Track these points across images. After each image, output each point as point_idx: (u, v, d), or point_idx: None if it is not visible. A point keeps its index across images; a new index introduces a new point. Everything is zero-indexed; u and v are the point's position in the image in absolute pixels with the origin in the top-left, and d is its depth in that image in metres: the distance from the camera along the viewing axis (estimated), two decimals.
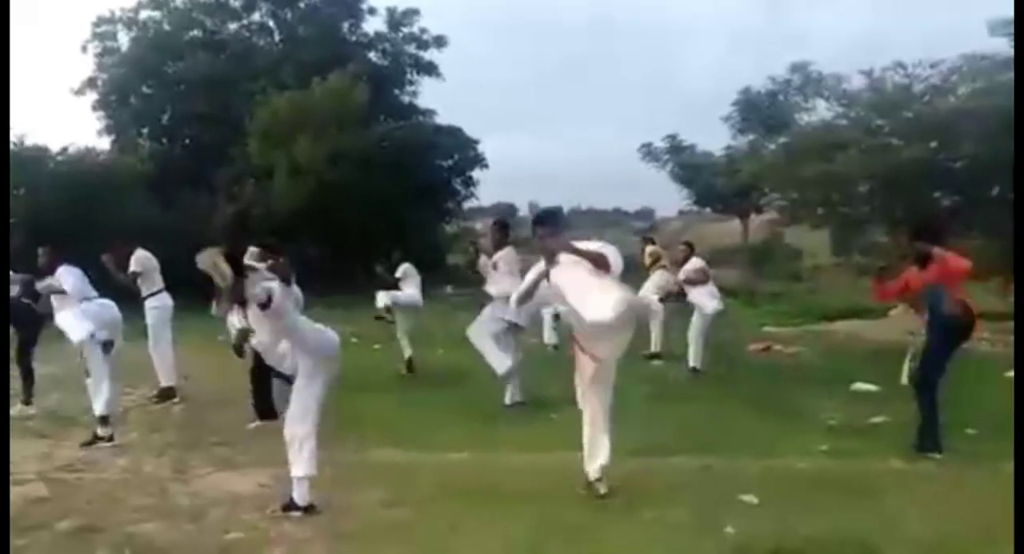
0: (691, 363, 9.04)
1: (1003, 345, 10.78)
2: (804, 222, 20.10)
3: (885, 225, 16.82)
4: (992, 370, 8.52)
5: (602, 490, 4.64)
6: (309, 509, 4.46)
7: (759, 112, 24.38)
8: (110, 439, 6.07)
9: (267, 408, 6.39)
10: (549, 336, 10.78)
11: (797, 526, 4.19)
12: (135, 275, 7.82)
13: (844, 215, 17.69)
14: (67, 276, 6.25)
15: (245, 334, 4.45)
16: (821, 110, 19.32)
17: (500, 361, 7.27)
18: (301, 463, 4.44)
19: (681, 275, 9.49)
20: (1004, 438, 5.77)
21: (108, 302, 6.41)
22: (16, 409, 7.10)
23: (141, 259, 7.89)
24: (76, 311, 6.12)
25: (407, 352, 9.28)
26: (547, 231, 4.65)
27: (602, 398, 4.71)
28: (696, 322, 9.13)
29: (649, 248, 10.77)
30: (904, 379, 5.59)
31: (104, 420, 6.10)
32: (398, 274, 9.38)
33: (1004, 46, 15.03)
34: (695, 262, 9.55)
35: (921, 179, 14.79)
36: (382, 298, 9.17)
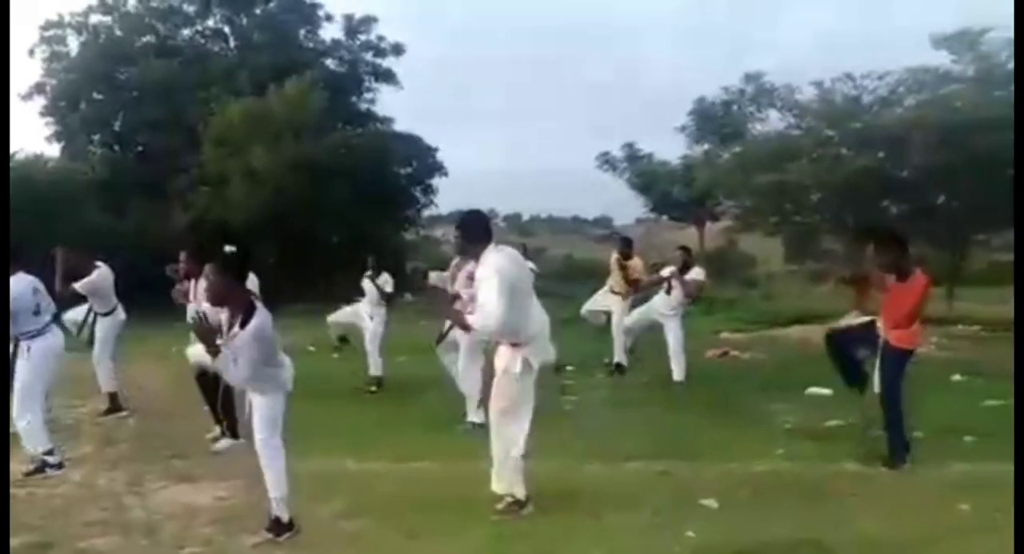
0: (676, 377, 8.74)
1: (950, 350, 11.10)
2: (758, 230, 20.52)
3: (836, 232, 17.26)
4: (939, 374, 8.77)
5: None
6: (290, 526, 4.29)
7: (713, 122, 24.79)
8: (60, 466, 5.70)
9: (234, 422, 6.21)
10: None
11: (756, 529, 4.27)
12: (74, 292, 7.33)
13: (797, 223, 18.12)
14: (25, 299, 5.61)
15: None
16: (774, 120, 19.79)
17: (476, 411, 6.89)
18: (271, 484, 4.30)
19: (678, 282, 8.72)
20: (952, 440, 5.99)
21: (57, 331, 6.04)
22: None
23: (98, 280, 7.43)
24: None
25: (378, 370, 8.91)
26: (461, 235, 4.65)
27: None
28: (677, 334, 8.80)
29: (633, 262, 9.52)
30: (876, 388, 5.65)
31: (49, 450, 5.70)
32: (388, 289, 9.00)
33: (945, 60, 15.62)
34: (698, 272, 8.90)
35: (870, 188, 15.22)
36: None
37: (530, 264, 4.91)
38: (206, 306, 4.34)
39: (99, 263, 7.62)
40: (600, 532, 4.30)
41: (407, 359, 9.93)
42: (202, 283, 5.93)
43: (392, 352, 9.41)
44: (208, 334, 4.11)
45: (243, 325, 4.06)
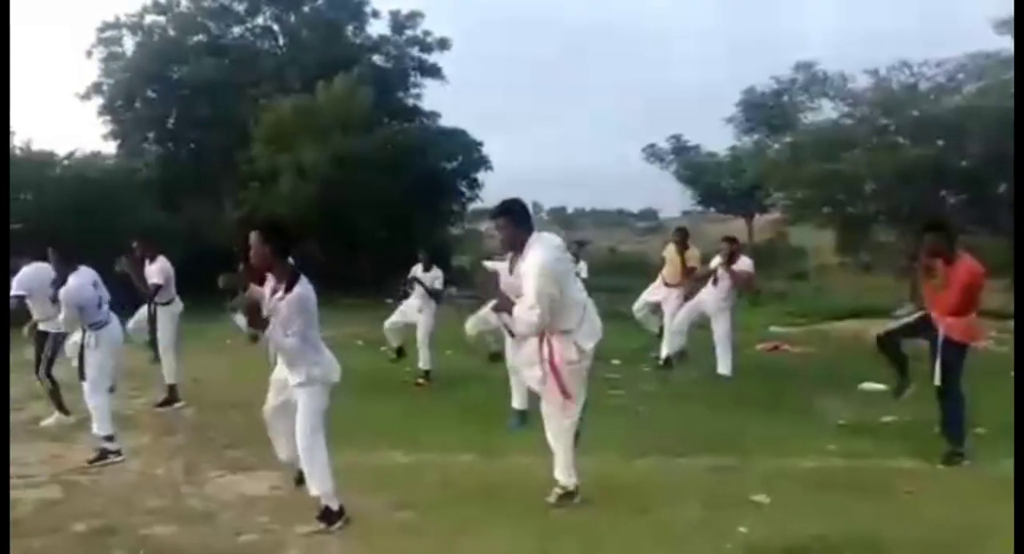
0: (721, 370, 8.70)
1: (1010, 344, 10.75)
2: (809, 221, 20.13)
3: (891, 224, 16.85)
4: (1000, 369, 8.50)
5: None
6: (340, 515, 4.35)
7: (763, 112, 24.37)
8: (119, 453, 5.89)
9: None
10: None
11: (808, 526, 4.20)
12: (157, 287, 7.73)
13: (850, 214, 17.72)
14: (78, 295, 5.88)
15: (254, 338, 4.41)
16: (826, 109, 19.36)
17: (522, 398, 6.96)
18: (312, 480, 4.36)
19: (726, 275, 8.71)
20: (1013, 437, 5.79)
21: (116, 320, 6.32)
22: (54, 418, 7.02)
23: (165, 270, 7.84)
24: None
25: (427, 363, 8.98)
26: (507, 222, 4.54)
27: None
28: (725, 327, 8.77)
29: (690, 252, 9.60)
30: (937, 380, 5.52)
31: (110, 437, 5.91)
32: (437, 285, 9.05)
33: (1008, 44, 15.06)
34: (746, 262, 8.85)
35: (927, 178, 14.82)
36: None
37: (582, 265, 4.87)
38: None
39: (160, 257, 7.95)
40: (650, 527, 4.28)
41: (454, 353, 9.99)
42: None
43: (439, 346, 9.48)
44: (254, 309, 4.22)
45: (287, 291, 4.16)
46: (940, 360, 5.39)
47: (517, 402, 6.86)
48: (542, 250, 4.40)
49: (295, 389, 4.35)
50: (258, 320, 4.22)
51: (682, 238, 9.74)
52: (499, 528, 4.29)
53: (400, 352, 9.38)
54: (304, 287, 4.20)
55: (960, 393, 5.39)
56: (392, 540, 4.25)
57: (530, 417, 6.78)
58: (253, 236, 4.27)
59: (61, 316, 5.95)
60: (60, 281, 5.91)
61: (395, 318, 9.34)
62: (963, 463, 5.27)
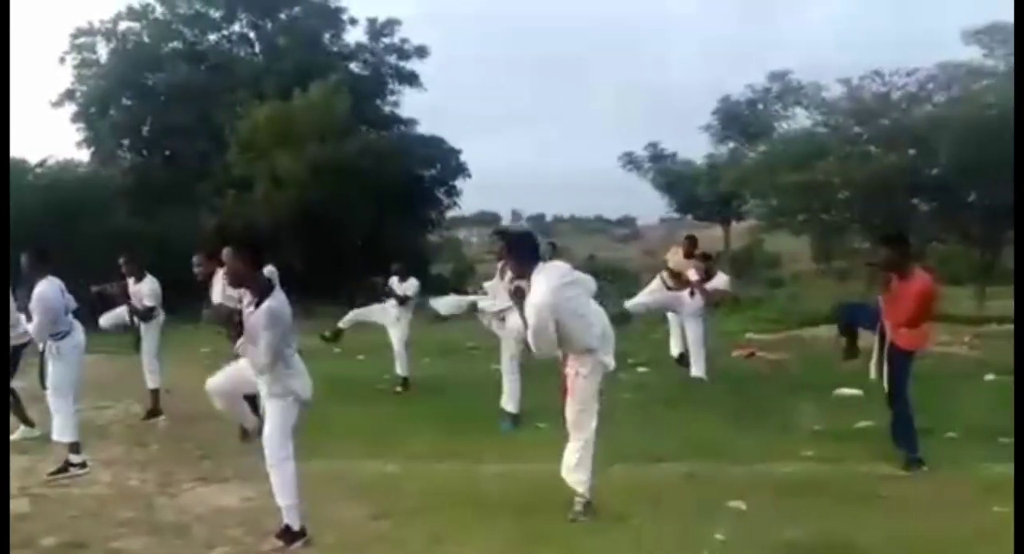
0: (694, 373, 8.77)
1: (982, 349, 10.91)
2: (784, 229, 20.34)
3: (864, 231, 17.05)
4: (972, 374, 8.63)
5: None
6: (301, 535, 4.23)
7: (739, 121, 24.61)
8: (83, 466, 5.76)
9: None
10: None
11: (785, 531, 4.22)
12: (149, 309, 7.61)
13: (824, 222, 17.91)
14: (50, 301, 5.92)
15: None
16: (800, 118, 19.59)
17: (515, 401, 7.10)
18: (279, 491, 4.25)
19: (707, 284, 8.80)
20: (985, 441, 5.87)
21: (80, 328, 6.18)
22: (20, 432, 6.80)
23: (156, 293, 7.72)
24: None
25: (405, 370, 8.91)
26: (515, 260, 4.68)
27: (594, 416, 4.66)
28: (697, 330, 8.82)
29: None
30: (873, 374, 5.64)
31: (75, 446, 5.80)
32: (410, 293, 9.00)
33: (977, 54, 15.35)
34: (723, 278, 9.00)
35: (899, 186, 15.03)
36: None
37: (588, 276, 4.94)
38: (217, 296, 4.42)
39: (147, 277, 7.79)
40: (627, 534, 4.27)
41: (432, 361, 9.96)
42: (218, 283, 6.06)
43: (417, 354, 9.44)
44: (226, 316, 4.21)
45: (258, 305, 4.10)
46: (888, 368, 5.46)
47: (510, 405, 6.95)
48: (545, 283, 4.41)
49: (267, 399, 4.27)
50: (232, 327, 4.21)
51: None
52: (476, 537, 4.27)
53: (337, 335, 9.22)
54: (276, 300, 4.10)
55: (907, 398, 5.46)
56: (369, 550, 4.21)
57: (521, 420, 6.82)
58: (225, 252, 4.25)
59: (31, 324, 5.82)
60: (29, 287, 5.82)
61: (362, 311, 9.19)
62: (922, 468, 5.32)
